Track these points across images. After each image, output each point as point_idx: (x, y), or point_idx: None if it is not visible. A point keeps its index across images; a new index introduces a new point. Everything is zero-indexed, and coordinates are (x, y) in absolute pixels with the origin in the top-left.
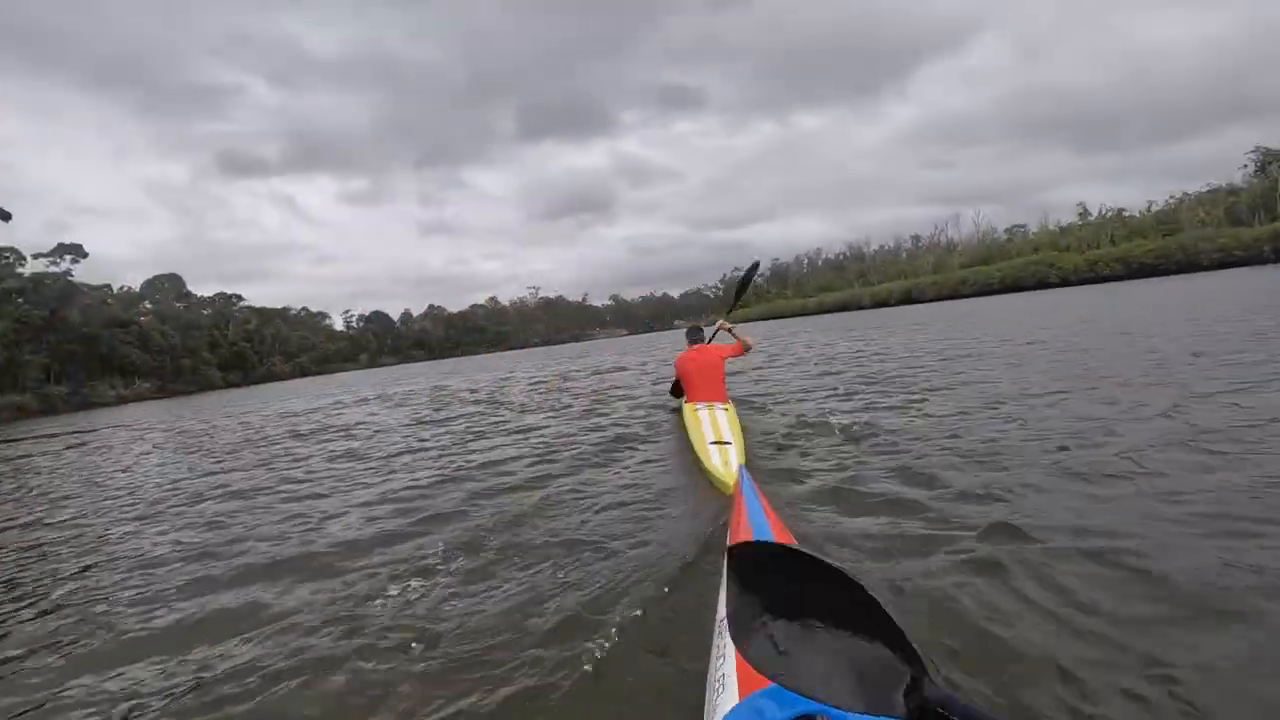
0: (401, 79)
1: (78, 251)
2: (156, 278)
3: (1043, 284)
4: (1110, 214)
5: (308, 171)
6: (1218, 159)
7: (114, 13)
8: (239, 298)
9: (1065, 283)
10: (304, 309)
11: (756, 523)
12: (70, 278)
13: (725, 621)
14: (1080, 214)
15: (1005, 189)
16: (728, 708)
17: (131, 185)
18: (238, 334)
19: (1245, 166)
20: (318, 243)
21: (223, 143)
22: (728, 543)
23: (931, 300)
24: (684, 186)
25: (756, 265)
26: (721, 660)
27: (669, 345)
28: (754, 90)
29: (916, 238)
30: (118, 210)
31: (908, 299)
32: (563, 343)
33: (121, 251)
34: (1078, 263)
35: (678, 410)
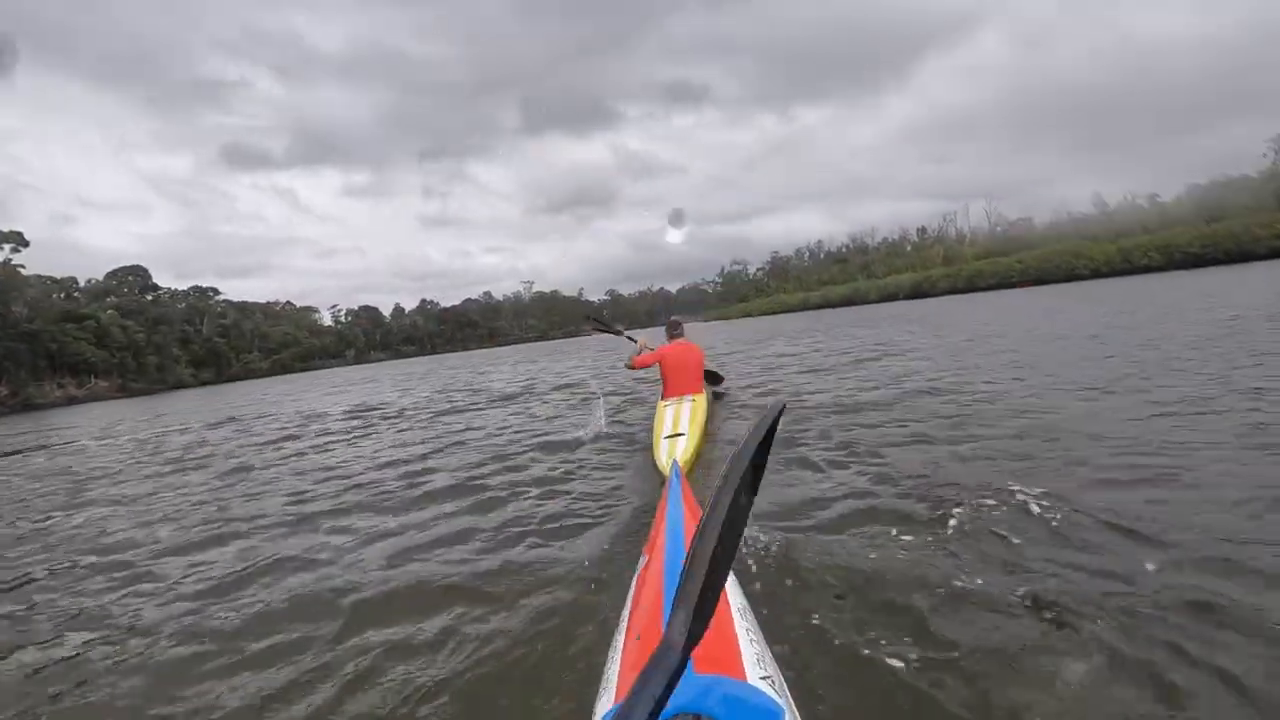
0: (405, 73)
1: (18, 240)
2: (120, 269)
3: (1071, 276)
4: (1140, 201)
5: (311, 164)
6: (1222, 152)
7: (123, 8)
8: (215, 291)
9: (1097, 274)
10: (288, 303)
11: (673, 523)
12: (22, 269)
13: (623, 621)
14: (1096, 204)
15: (1006, 183)
16: (605, 709)
17: (135, 178)
18: (212, 329)
19: (1265, 155)
20: (319, 236)
21: (228, 136)
22: (645, 545)
23: (944, 294)
24: (685, 181)
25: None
26: (610, 663)
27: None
28: (755, 85)
29: (923, 230)
30: (121, 203)
31: (917, 293)
32: (556, 338)
33: (123, 245)
34: (1110, 252)
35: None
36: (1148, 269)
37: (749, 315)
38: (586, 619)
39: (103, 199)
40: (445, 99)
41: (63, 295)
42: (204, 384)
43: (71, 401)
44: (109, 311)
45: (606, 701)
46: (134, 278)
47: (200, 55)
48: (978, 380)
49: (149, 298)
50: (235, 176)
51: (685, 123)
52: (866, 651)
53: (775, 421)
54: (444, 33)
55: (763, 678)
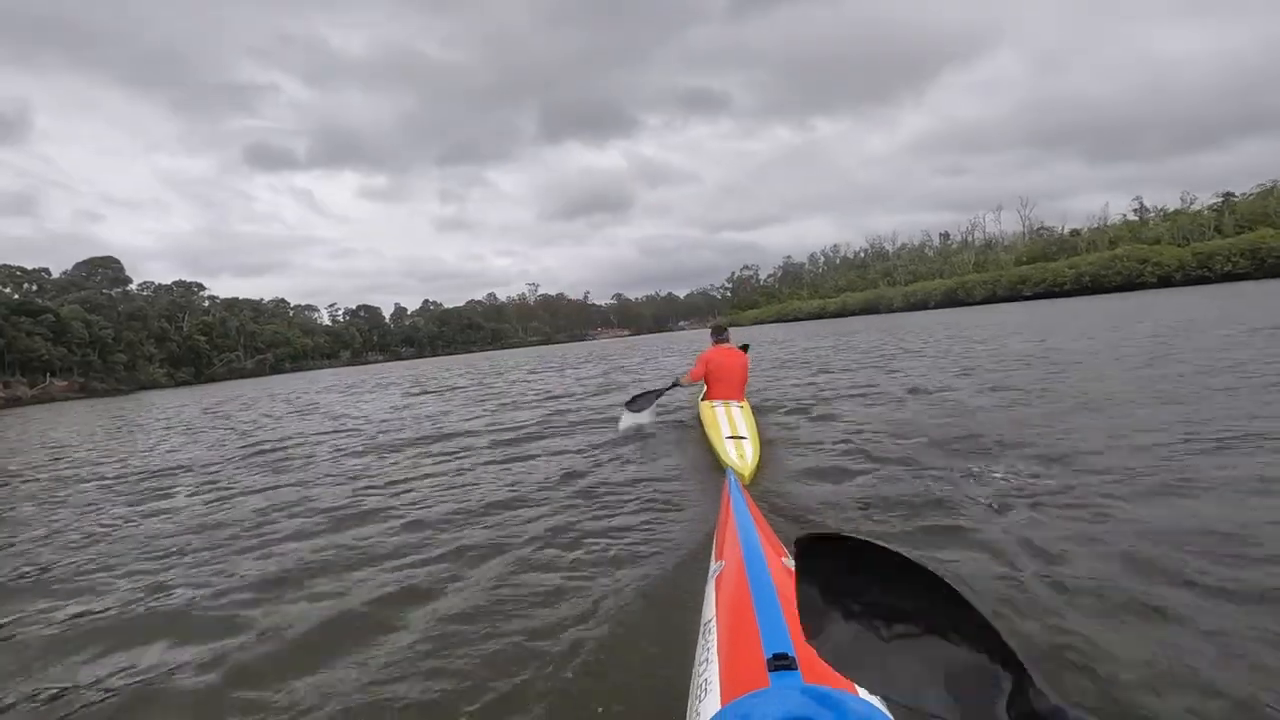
0: (428, 79)
1: None
2: (89, 260)
3: (1131, 284)
4: (1207, 200)
5: (332, 167)
6: (1235, 169)
7: (159, 14)
8: (201, 286)
9: (1166, 282)
10: (280, 300)
11: (745, 530)
12: None
13: (710, 624)
14: (1136, 210)
15: (1019, 195)
16: (710, 713)
17: (161, 179)
18: (194, 327)
19: None
20: (336, 237)
21: (251, 138)
22: (714, 548)
23: (982, 302)
24: (699, 189)
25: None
26: (705, 664)
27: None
28: (772, 96)
29: (945, 235)
30: (146, 202)
31: (951, 300)
32: (561, 343)
33: (146, 242)
34: (1183, 257)
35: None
36: (1231, 276)
37: (760, 322)
38: (660, 624)
39: (128, 198)
40: (466, 105)
41: (34, 287)
42: (180, 384)
43: (14, 403)
44: (70, 306)
45: (711, 705)
46: (105, 270)
47: (228, 60)
48: None
49: (117, 291)
50: (256, 177)
51: (702, 132)
52: None
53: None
54: (467, 40)
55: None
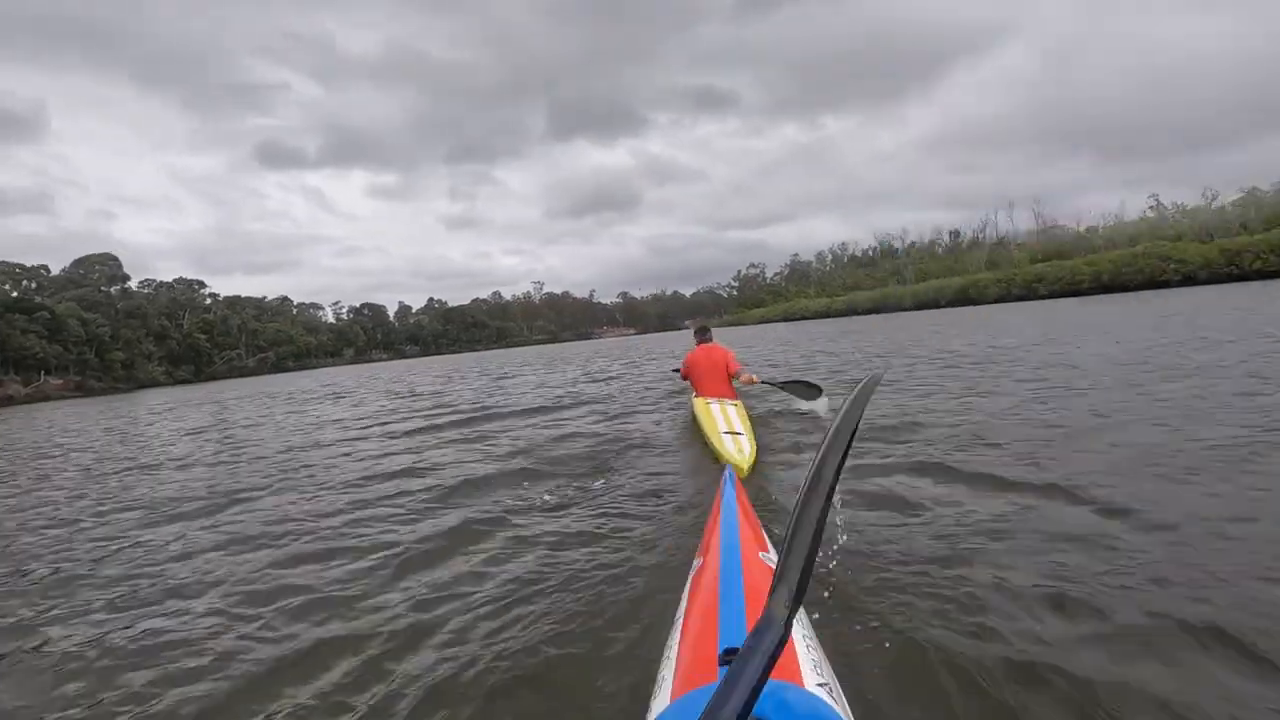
0: (434, 78)
1: None
2: (87, 258)
3: (1154, 282)
4: (1231, 195)
5: (342, 165)
6: (1250, 166)
7: (167, 11)
8: (201, 284)
9: (1190, 280)
10: (284, 298)
11: (728, 527)
12: None
13: (678, 621)
14: (1153, 207)
15: (1031, 193)
16: (659, 710)
17: (173, 177)
18: (194, 325)
19: None
20: (344, 235)
21: (261, 136)
22: (700, 546)
23: (995, 301)
24: (706, 187)
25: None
26: (665, 662)
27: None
28: (781, 94)
29: (956, 233)
30: (159, 201)
31: (964, 299)
32: (566, 341)
33: (157, 241)
34: (1210, 255)
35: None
36: (1261, 274)
37: (766, 321)
38: (637, 620)
39: (141, 196)
40: (472, 104)
41: (33, 284)
42: (180, 382)
43: (7, 402)
44: (66, 303)
45: (660, 703)
46: (102, 267)
47: (237, 58)
48: None
49: (116, 289)
50: (267, 176)
51: (710, 130)
52: (932, 661)
53: (871, 393)
54: (469, 40)
55: (820, 685)
